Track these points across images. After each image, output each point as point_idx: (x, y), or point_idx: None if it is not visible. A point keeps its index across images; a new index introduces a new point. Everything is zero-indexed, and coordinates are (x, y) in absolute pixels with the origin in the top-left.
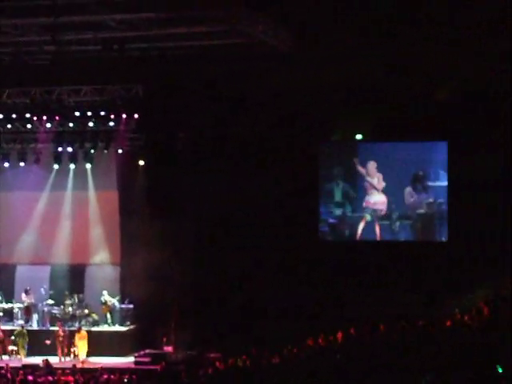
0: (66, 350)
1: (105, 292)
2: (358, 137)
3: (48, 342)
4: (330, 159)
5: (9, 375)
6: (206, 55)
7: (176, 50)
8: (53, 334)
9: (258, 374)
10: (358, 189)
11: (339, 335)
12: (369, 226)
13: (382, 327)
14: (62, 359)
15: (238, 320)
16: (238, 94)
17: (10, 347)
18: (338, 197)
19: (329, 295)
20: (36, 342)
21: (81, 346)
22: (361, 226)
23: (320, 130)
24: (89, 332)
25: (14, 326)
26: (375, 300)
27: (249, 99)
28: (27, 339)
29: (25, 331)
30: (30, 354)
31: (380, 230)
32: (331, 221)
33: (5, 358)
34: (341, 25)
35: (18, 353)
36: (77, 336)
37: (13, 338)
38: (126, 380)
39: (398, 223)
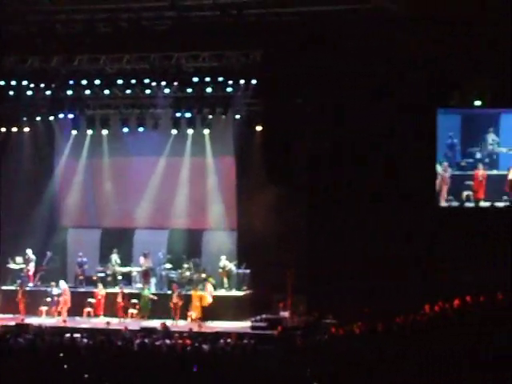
0: (180, 314)
1: (223, 257)
2: (477, 103)
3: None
4: None
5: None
6: (323, 20)
7: (293, 15)
8: (169, 298)
9: (373, 340)
10: None
11: (456, 302)
12: None
13: (500, 296)
14: (177, 323)
15: (355, 286)
16: (355, 60)
17: (130, 310)
18: None
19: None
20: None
21: (195, 308)
22: None
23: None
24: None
25: (132, 289)
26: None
27: (366, 66)
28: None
29: (148, 294)
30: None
31: None
32: None
33: (126, 320)
34: None
35: (137, 316)
36: (193, 298)
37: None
38: (242, 344)
39: None
